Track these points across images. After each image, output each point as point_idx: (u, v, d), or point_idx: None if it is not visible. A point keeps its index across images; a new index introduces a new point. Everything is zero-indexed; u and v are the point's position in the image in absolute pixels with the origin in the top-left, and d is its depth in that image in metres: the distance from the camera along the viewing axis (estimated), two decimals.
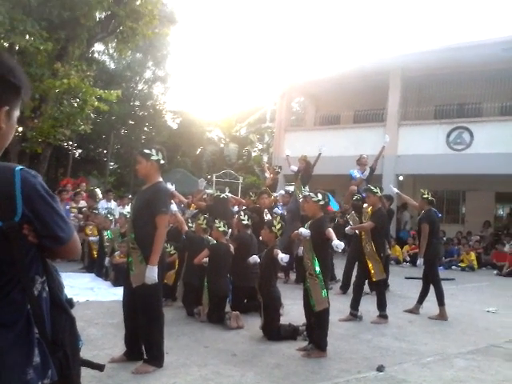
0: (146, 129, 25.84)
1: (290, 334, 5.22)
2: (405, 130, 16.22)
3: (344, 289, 8.18)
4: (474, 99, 15.85)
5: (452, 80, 15.56)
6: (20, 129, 13.55)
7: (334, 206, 10.68)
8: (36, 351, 1.39)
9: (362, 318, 6.27)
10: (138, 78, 25.64)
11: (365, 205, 6.82)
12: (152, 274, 3.94)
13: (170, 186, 6.22)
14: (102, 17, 15.05)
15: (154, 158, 4.16)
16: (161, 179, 4.25)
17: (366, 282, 6.64)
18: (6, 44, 12.66)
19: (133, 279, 4.09)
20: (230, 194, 9.03)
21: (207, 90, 51.17)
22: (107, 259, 8.52)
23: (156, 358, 4.07)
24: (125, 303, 4.28)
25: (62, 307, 1.52)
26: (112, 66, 24.55)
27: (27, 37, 12.06)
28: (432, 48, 15.16)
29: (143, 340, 4.15)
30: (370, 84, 16.27)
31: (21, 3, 12.16)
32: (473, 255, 13.24)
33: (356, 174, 9.37)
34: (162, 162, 4.21)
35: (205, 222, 6.56)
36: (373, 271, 6.34)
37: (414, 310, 6.86)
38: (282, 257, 5.10)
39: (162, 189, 4.17)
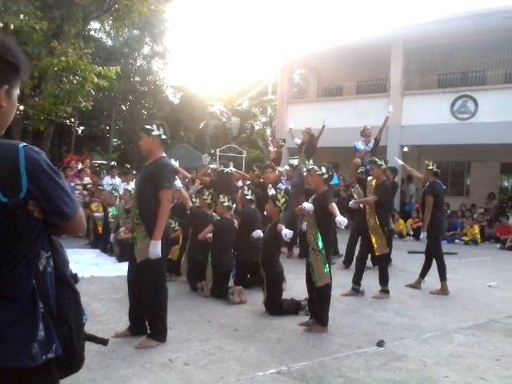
0: (147, 104, 25.71)
1: (292, 308, 5.29)
2: (408, 99, 16.04)
3: (347, 263, 8.21)
4: (478, 67, 15.60)
5: (454, 49, 15.29)
6: (21, 107, 13.55)
7: (333, 180, 10.59)
8: (41, 325, 1.41)
9: (363, 292, 6.31)
10: (136, 54, 25.40)
11: (369, 178, 6.76)
12: (155, 248, 3.97)
13: (174, 162, 6.22)
14: None
15: (155, 133, 4.15)
16: (164, 154, 4.24)
17: (369, 256, 6.67)
18: (0, 24, 12.53)
19: (137, 254, 4.13)
20: (234, 169, 9.01)
21: (208, 64, 50.56)
22: (112, 235, 8.57)
23: (159, 333, 4.15)
24: (129, 278, 4.33)
25: (66, 282, 1.53)
26: (109, 42, 24.30)
27: (21, 16, 11.93)
28: (433, 18, 14.89)
29: (147, 315, 4.22)
30: (372, 55, 16.02)
31: None
32: (476, 228, 13.15)
33: (360, 145, 9.27)
34: (163, 136, 4.19)
35: (210, 197, 6.57)
36: (376, 245, 6.34)
37: (416, 285, 6.88)
38: (286, 233, 5.13)
39: (165, 164, 4.17)
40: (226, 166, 8.55)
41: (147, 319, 4.23)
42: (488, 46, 14.94)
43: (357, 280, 6.35)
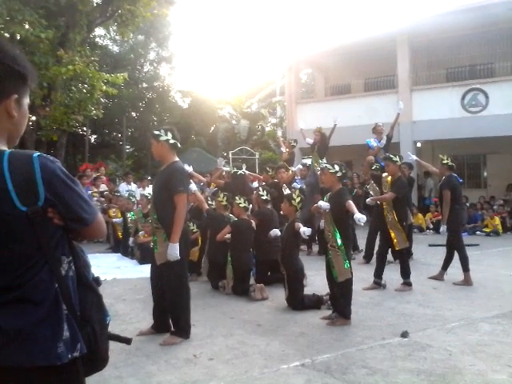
0: (156, 110, 25.85)
1: (314, 303, 5.29)
2: (418, 95, 15.94)
3: (367, 258, 8.19)
4: (486, 59, 15.47)
5: (461, 42, 15.20)
6: (33, 118, 13.71)
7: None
8: (65, 326, 1.44)
9: (385, 286, 6.29)
10: (142, 60, 25.57)
11: (384, 174, 6.75)
12: (174, 251, 4.03)
13: (187, 167, 6.26)
14: (100, 1, 14.98)
15: (163, 138, 4.20)
16: (176, 159, 4.28)
17: (390, 250, 6.65)
18: (6, 35, 12.72)
19: (157, 257, 4.20)
20: (247, 172, 9.04)
21: (215, 68, 50.81)
22: (131, 239, 8.69)
23: (183, 330, 4.20)
24: (152, 279, 4.41)
25: (88, 285, 1.56)
26: (115, 49, 24.51)
27: (27, 26, 12.10)
28: (438, 12, 14.75)
29: (170, 313, 4.28)
30: (378, 51, 15.96)
31: None
32: (497, 220, 13.04)
33: (373, 142, 9.25)
34: (171, 141, 4.22)
35: (225, 199, 6.62)
36: (395, 240, 6.31)
37: (439, 277, 6.84)
38: (304, 230, 5.15)
39: (178, 168, 4.21)
40: (239, 168, 8.58)
41: (171, 317, 4.28)
42: (495, 37, 14.85)
43: (378, 274, 6.35)
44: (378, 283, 6.30)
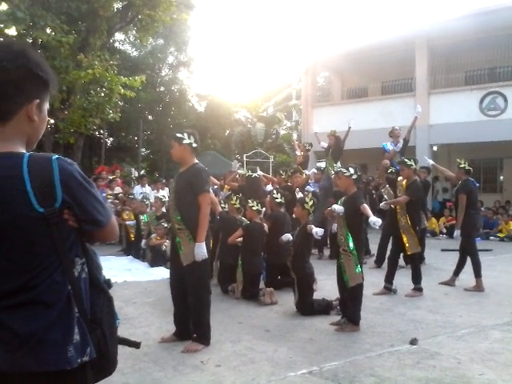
0: (173, 114, 26.02)
1: (324, 308, 5.28)
2: (435, 98, 15.80)
3: (379, 263, 8.15)
4: (505, 62, 15.27)
5: (480, 45, 15.01)
6: (51, 121, 13.90)
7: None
8: (76, 329, 1.44)
9: (396, 291, 6.25)
10: (161, 65, 25.76)
11: (399, 178, 6.71)
12: (201, 250, 4.07)
13: None
14: (120, 7, 15.14)
15: (186, 141, 4.24)
16: (196, 161, 4.33)
17: (401, 255, 6.60)
18: (29, 40, 12.93)
19: (183, 258, 4.18)
20: (261, 173, 9.04)
21: (232, 72, 50.89)
22: (144, 241, 8.74)
23: (204, 336, 4.20)
24: (173, 284, 4.39)
25: (100, 287, 1.57)
26: (134, 53, 24.73)
27: (48, 31, 12.29)
28: (457, 15, 14.64)
29: (192, 318, 4.26)
30: (396, 54, 15.87)
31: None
32: (511, 225, 12.88)
33: (389, 146, 9.18)
34: (194, 145, 4.28)
35: (238, 201, 6.64)
36: (407, 245, 6.27)
37: (450, 282, 6.78)
38: (317, 230, 5.16)
39: (201, 169, 4.25)
40: (253, 170, 8.59)
41: (193, 322, 4.27)
42: None
43: (389, 279, 6.30)
44: (388, 288, 6.26)
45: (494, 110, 14.65)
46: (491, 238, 12.75)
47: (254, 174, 8.41)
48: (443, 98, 15.72)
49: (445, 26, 14.62)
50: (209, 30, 49.60)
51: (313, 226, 5.26)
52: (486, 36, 14.64)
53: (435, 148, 16.22)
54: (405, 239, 6.28)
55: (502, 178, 17.34)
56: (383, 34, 16.01)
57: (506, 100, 14.44)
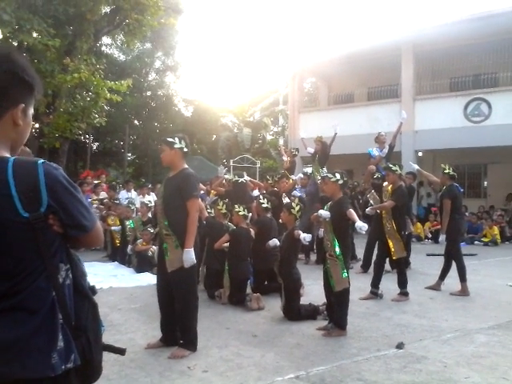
0: (159, 118, 25.95)
1: (311, 313, 5.28)
2: (421, 104, 15.98)
3: (365, 268, 8.19)
4: (490, 69, 15.52)
5: (465, 51, 15.25)
6: (36, 125, 13.78)
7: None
8: (60, 336, 1.43)
9: (382, 296, 6.27)
10: (148, 69, 25.70)
11: (385, 183, 6.76)
12: (189, 256, 4.04)
13: None
14: (108, 11, 15.08)
15: (178, 145, 4.21)
16: (186, 166, 4.30)
17: (387, 260, 6.63)
18: (14, 43, 12.80)
19: (168, 264, 4.15)
20: (248, 178, 9.04)
21: (219, 77, 50.96)
22: (130, 247, 8.67)
23: (191, 342, 4.17)
24: (160, 290, 4.35)
25: (84, 294, 1.56)
26: (121, 58, 24.63)
27: (35, 34, 12.20)
28: (442, 22, 14.85)
29: (179, 324, 4.23)
30: (382, 60, 16.04)
31: (26, 2, 12.31)
32: (496, 229, 13.03)
33: (375, 152, 9.25)
34: (185, 149, 4.26)
35: (224, 207, 6.62)
36: (393, 249, 6.31)
37: (436, 287, 6.83)
38: (305, 236, 5.16)
39: (191, 174, 4.22)
40: (240, 176, 8.59)
41: (179, 328, 4.23)
42: (499, 47, 14.88)
43: (375, 284, 6.33)
44: (374, 293, 6.28)
45: (478, 117, 14.85)
46: (476, 242, 12.90)
47: (241, 179, 8.41)
48: (428, 104, 15.90)
49: (430, 32, 14.82)
50: (196, 34, 49.60)
51: (300, 232, 5.27)
52: (470, 43, 14.87)
53: (420, 154, 16.38)
54: (390, 244, 6.33)
55: (486, 183, 17.57)
56: (370, 40, 16.16)
57: (490, 106, 14.65)
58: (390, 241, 6.34)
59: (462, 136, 14.74)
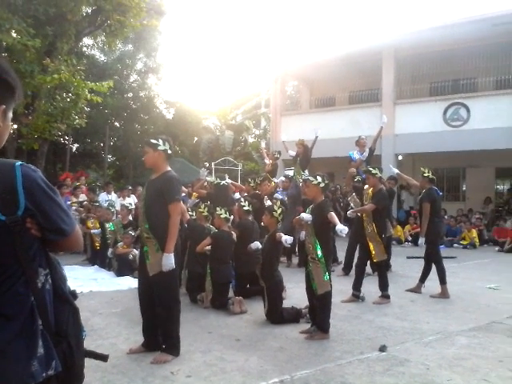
0: (140, 120, 25.76)
1: (293, 316, 5.28)
2: (401, 108, 16.18)
3: (346, 270, 8.23)
4: (469, 74, 15.81)
5: (445, 57, 15.50)
6: (15, 126, 13.53)
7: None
8: (40, 342, 1.40)
9: (364, 298, 6.30)
10: (129, 71, 25.48)
11: (366, 186, 6.81)
12: (169, 261, 3.99)
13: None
14: (89, 11, 14.92)
15: (161, 147, 4.17)
16: (169, 168, 4.25)
17: (368, 263, 6.67)
18: None
19: (149, 268, 4.10)
20: (230, 181, 9.03)
21: (201, 79, 50.89)
22: (110, 250, 8.56)
23: (174, 347, 4.12)
24: (141, 293, 4.29)
25: (65, 298, 1.53)
26: (102, 59, 24.39)
27: (14, 34, 12.00)
28: (423, 27, 15.08)
29: (161, 329, 4.18)
30: (364, 65, 16.21)
31: (5, 2, 12.09)
32: (474, 232, 13.24)
33: (355, 155, 9.33)
34: (169, 151, 4.22)
35: (206, 209, 6.59)
36: (374, 252, 6.36)
37: (416, 289, 6.89)
38: (286, 238, 5.17)
39: (173, 177, 4.18)
40: (222, 178, 8.57)
41: (161, 333, 4.18)
42: (478, 52, 15.15)
43: (357, 286, 6.36)
44: (356, 296, 6.31)
45: (457, 121, 15.09)
46: (455, 245, 13.08)
47: (223, 182, 8.39)
48: (408, 109, 16.11)
49: (411, 38, 15.03)
50: (179, 36, 49.55)
51: (282, 234, 5.27)
52: (450, 48, 15.12)
53: (400, 157, 16.57)
54: (371, 247, 6.36)
55: (464, 186, 17.84)
56: (351, 45, 16.32)
57: (468, 111, 14.90)
58: (370, 244, 6.38)
59: (441, 140, 14.96)
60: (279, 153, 10.99)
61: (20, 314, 1.38)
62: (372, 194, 6.49)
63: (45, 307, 1.43)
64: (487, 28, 13.98)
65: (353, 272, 7.17)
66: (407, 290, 6.94)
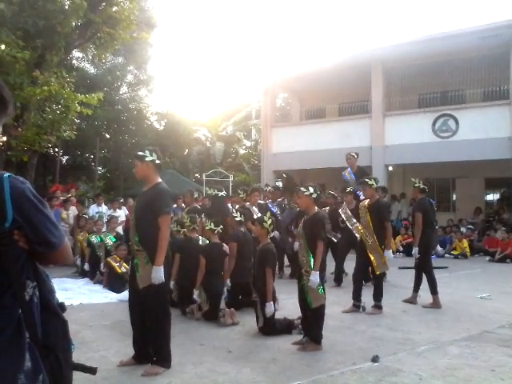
0: (131, 132, 25.71)
1: (286, 327, 5.24)
2: (390, 120, 16.30)
3: (338, 281, 8.23)
4: (457, 86, 15.99)
5: (433, 69, 15.68)
6: (4, 138, 13.45)
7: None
8: (27, 356, 1.38)
9: (365, 308, 6.27)
10: (120, 83, 25.48)
11: (362, 197, 6.84)
12: (158, 274, 3.96)
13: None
14: (79, 24, 14.94)
15: (149, 158, 4.17)
16: (160, 180, 4.24)
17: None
18: None
19: (139, 280, 4.08)
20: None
21: (192, 91, 51.06)
22: (102, 264, 8.49)
23: (165, 359, 4.08)
24: (131, 306, 4.25)
25: (53, 311, 1.51)
26: (92, 71, 24.38)
27: (3, 46, 11.97)
28: (410, 39, 15.25)
29: (151, 341, 4.13)
30: (353, 77, 16.33)
31: None
32: (465, 242, 13.30)
33: (347, 175, 9.43)
34: (157, 161, 4.21)
35: (189, 220, 6.59)
36: (376, 264, 6.32)
37: (412, 300, 6.81)
38: (274, 233, 5.17)
39: (163, 189, 4.16)
40: (219, 190, 8.55)
41: (152, 345, 4.14)
42: (465, 65, 15.36)
43: (356, 296, 6.35)
44: (357, 306, 6.30)
45: (446, 132, 15.22)
46: (446, 255, 13.12)
47: (220, 193, 8.39)
48: (398, 120, 16.24)
49: (399, 50, 15.20)
50: (169, 48, 49.72)
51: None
52: (438, 60, 15.30)
53: (391, 168, 16.67)
54: (372, 258, 6.34)
55: (454, 197, 17.95)
56: (340, 56, 16.44)
57: (457, 122, 15.04)
58: (371, 255, 6.34)
59: (430, 151, 15.08)
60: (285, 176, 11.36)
61: (7, 326, 1.36)
62: (369, 206, 6.47)
63: (32, 320, 1.41)
64: (473, 41, 14.18)
65: (344, 283, 7.10)
66: (404, 301, 6.88)
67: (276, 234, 8.43)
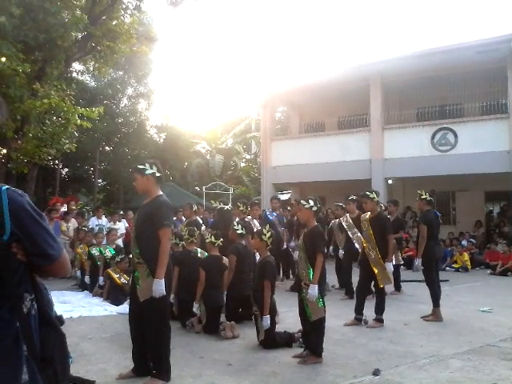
0: (131, 145, 25.78)
1: (286, 340, 5.21)
2: (389, 133, 16.35)
3: (349, 293, 8.09)
4: (455, 100, 16.07)
5: (431, 83, 15.76)
6: (4, 150, 13.49)
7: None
8: (24, 368, 1.37)
9: (367, 322, 6.23)
10: (120, 96, 25.61)
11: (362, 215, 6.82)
12: (159, 287, 3.95)
13: None
14: (79, 37, 15.07)
15: (149, 171, 4.18)
16: (161, 192, 4.25)
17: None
18: None
19: (140, 293, 4.06)
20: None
21: (192, 104, 51.29)
22: (101, 278, 8.45)
23: (164, 372, 4.05)
24: (131, 318, 4.24)
25: (51, 324, 1.50)
26: (93, 84, 24.50)
27: (3, 59, 12.05)
28: (409, 53, 15.34)
29: (151, 354, 4.11)
30: (352, 90, 16.42)
31: None
32: (466, 256, 13.25)
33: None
34: (157, 174, 4.22)
35: (187, 233, 6.58)
36: (379, 278, 6.29)
37: (434, 317, 6.60)
38: (290, 244, 5.16)
39: (164, 202, 4.16)
40: (224, 203, 8.55)
41: (151, 358, 4.12)
42: (463, 79, 15.44)
43: (359, 310, 6.31)
44: (359, 319, 6.26)
45: (445, 146, 15.26)
46: (447, 268, 13.07)
47: (226, 207, 8.38)
48: (397, 134, 16.29)
49: (398, 64, 15.29)
50: (170, 61, 50.10)
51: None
52: (436, 75, 15.39)
53: (390, 181, 16.69)
54: (376, 271, 6.30)
55: (454, 210, 17.93)
56: (339, 71, 16.55)
57: (456, 136, 15.09)
58: (375, 269, 6.30)
59: (429, 164, 15.11)
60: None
61: (4, 339, 1.35)
62: (370, 219, 6.43)
63: (30, 332, 1.40)
64: (471, 55, 14.27)
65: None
66: (422, 318, 6.61)
67: (291, 244, 8.46)
